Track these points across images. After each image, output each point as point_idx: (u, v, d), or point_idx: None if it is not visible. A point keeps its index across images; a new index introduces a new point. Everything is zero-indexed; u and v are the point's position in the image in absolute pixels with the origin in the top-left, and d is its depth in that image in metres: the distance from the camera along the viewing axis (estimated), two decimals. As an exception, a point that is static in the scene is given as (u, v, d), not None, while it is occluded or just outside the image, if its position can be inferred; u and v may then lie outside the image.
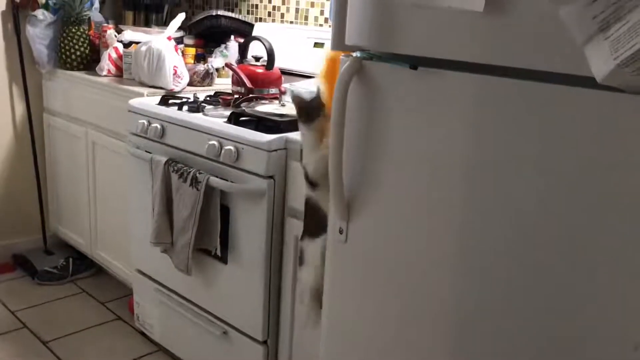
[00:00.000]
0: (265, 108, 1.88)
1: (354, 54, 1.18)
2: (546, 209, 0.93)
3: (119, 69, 2.52)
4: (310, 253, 1.48)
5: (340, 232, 1.30)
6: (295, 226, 1.70)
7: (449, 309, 1.10)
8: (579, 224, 0.90)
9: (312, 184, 1.46)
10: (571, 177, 0.90)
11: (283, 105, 1.93)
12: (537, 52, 0.91)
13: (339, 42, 1.20)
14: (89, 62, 2.67)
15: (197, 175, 1.79)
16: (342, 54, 1.24)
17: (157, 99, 2.12)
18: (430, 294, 1.12)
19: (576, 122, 0.89)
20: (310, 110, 1.43)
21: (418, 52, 1.06)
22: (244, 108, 1.88)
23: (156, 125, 1.98)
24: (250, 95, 2.00)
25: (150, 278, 2.18)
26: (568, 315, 0.93)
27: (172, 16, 2.65)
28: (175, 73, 2.27)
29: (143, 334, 2.30)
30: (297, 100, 1.44)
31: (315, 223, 1.48)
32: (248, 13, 2.79)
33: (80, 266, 2.79)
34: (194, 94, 2.17)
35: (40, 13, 2.66)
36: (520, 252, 0.98)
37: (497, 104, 0.97)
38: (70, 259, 2.79)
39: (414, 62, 1.07)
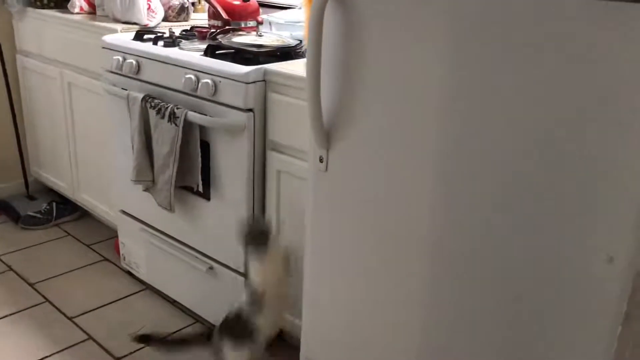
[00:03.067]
0: (243, 39, 1.83)
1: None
2: (524, 134, 0.92)
3: (92, 6, 2.43)
4: None
5: (321, 160, 1.29)
6: (277, 159, 1.69)
7: (427, 232, 1.10)
8: (561, 140, 0.89)
9: (253, 301, 1.56)
10: (554, 96, 0.88)
11: (260, 36, 1.87)
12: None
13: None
14: (61, -1, 2.58)
15: (175, 110, 1.75)
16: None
17: (132, 34, 2.05)
18: (409, 219, 1.12)
19: (560, 34, 0.86)
20: (258, 238, 1.56)
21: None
22: (220, 40, 1.83)
23: (131, 61, 1.92)
24: (227, 28, 1.95)
25: (134, 218, 2.17)
26: (545, 233, 0.93)
27: (144, -51, 2.54)
28: (149, 8, 2.20)
29: (130, 273, 2.31)
30: (246, 229, 1.59)
31: (242, 335, 1.57)
32: (223, -56, 2.68)
33: (63, 210, 2.77)
34: (170, 28, 2.11)
35: (5, -52, 2.55)
36: (498, 174, 0.97)
37: (474, 22, 0.94)
38: (54, 203, 2.76)
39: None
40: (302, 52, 1.77)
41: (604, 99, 0.83)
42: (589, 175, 0.86)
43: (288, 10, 2.12)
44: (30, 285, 2.25)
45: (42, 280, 2.28)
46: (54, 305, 2.12)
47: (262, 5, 2.18)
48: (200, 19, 2.37)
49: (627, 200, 0.83)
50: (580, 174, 0.87)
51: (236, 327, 1.59)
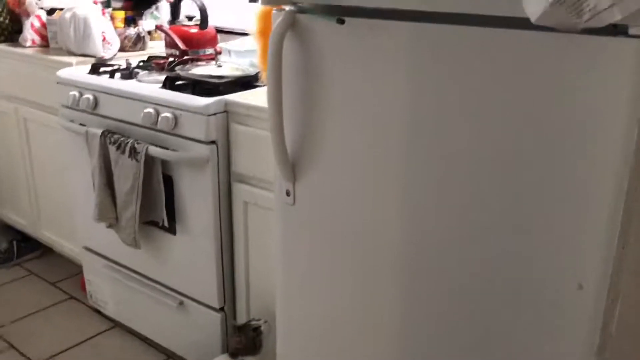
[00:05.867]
0: (202, 70, 1.80)
1: (286, 8, 1.13)
2: (488, 154, 0.92)
3: (45, 39, 2.37)
4: None
5: (288, 194, 1.27)
6: (242, 191, 1.66)
7: (399, 263, 1.09)
8: (520, 167, 0.89)
9: None
10: (511, 118, 0.89)
11: (220, 66, 1.85)
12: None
13: (268, -4, 1.14)
14: (12, 32, 2.50)
15: (136, 145, 1.71)
16: (274, 9, 1.18)
17: (88, 67, 2.01)
18: (379, 247, 1.11)
19: (512, 63, 0.87)
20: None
21: (348, 1, 1.02)
22: (178, 72, 1.80)
23: (88, 96, 1.88)
24: (185, 58, 1.92)
25: (99, 255, 2.12)
26: (518, 261, 0.93)
27: (96, -22, 2.49)
28: (104, 39, 2.16)
29: (98, 311, 2.24)
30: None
31: None
32: (177, -30, 2.65)
33: (25, 248, 2.68)
34: (126, 59, 2.07)
35: (-50, -17, 2.47)
36: (466, 201, 0.97)
37: (432, 51, 0.94)
38: (14, 242, 2.67)
39: (345, 13, 1.03)
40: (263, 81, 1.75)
41: (563, 125, 0.84)
42: (556, 210, 0.87)
43: (246, 37, 2.10)
44: (-6, 331, 2.17)
45: (6, 325, 2.20)
46: (19, 352, 2.05)
47: (219, 32, 2.16)
48: (157, 47, 2.34)
49: (596, 230, 0.83)
50: (547, 201, 0.88)
51: None
